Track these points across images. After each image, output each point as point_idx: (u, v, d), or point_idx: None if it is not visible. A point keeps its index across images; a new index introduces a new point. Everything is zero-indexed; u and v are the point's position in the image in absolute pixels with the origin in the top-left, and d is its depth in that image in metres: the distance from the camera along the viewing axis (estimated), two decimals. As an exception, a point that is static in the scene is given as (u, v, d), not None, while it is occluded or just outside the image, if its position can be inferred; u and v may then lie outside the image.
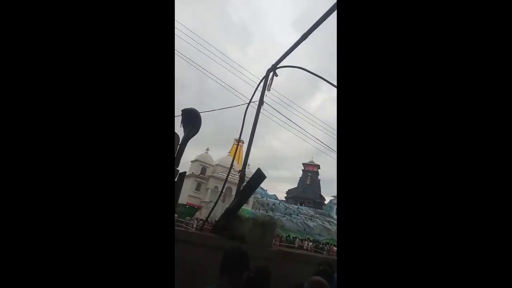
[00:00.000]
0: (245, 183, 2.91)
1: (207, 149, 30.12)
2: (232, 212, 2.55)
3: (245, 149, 3.65)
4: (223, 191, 4.13)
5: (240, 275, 1.34)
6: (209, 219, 5.26)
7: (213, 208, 3.55)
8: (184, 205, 22.14)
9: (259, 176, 2.65)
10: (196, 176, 27.95)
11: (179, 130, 4.32)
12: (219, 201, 3.37)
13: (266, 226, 2.44)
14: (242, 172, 3.15)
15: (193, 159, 29.55)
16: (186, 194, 26.22)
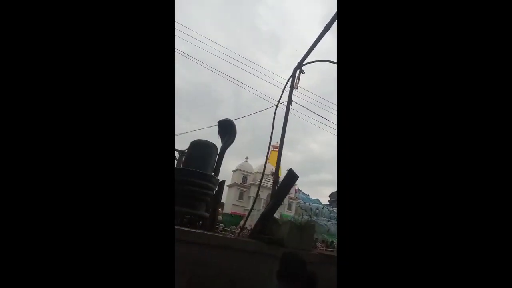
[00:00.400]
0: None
1: (247, 158, 30.69)
2: (268, 216, 2.58)
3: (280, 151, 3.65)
4: (257, 196, 4.18)
5: (297, 281, 1.37)
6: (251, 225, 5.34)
7: (248, 214, 3.61)
8: (229, 215, 22.74)
9: (291, 175, 2.64)
10: (238, 185, 28.55)
11: (217, 141, 4.59)
12: (260, 207, 3.43)
13: (304, 229, 2.41)
14: (276, 175, 3.17)
15: (234, 168, 30.35)
16: (230, 204, 26.94)
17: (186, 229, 2.44)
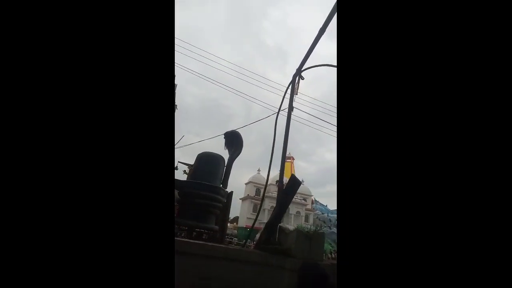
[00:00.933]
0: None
1: (259, 170, 30.57)
2: (273, 225, 2.50)
3: (279, 153, 3.55)
4: (261, 207, 4.09)
5: None
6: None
7: (253, 225, 3.52)
8: (244, 228, 22.41)
9: (294, 182, 2.57)
10: (252, 198, 28.34)
11: (223, 152, 4.61)
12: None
13: (312, 237, 2.30)
14: (280, 183, 3.10)
15: (246, 181, 30.23)
16: (244, 217, 26.63)
17: (186, 240, 2.39)
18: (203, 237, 3.86)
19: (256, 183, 29.28)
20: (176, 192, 4.24)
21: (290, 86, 3.81)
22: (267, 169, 3.54)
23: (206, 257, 2.01)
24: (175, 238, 2.27)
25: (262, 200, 4.08)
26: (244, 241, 3.85)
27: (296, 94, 3.74)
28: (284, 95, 3.78)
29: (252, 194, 28.65)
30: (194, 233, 3.82)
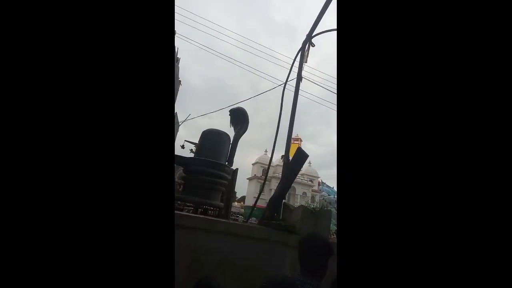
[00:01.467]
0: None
1: (266, 151, 30.69)
2: (277, 201, 2.41)
3: (285, 133, 3.38)
4: (263, 189, 4.03)
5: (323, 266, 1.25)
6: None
7: (256, 202, 3.49)
8: (251, 207, 22.92)
9: (300, 155, 2.42)
10: (258, 178, 28.74)
11: (229, 130, 4.50)
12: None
13: (319, 214, 2.22)
14: (286, 157, 2.96)
15: (253, 161, 30.55)
16: (251, 197, 27.19)
17: (185, 213, 2.36)
18: (209, 213, 3.87)
19: (263, 163, 29.53)
20: (181, 169, 4.22)
21: (299, 54, 3.53)
22: (276, 151, 3.38)
23: (206, 231, 1.97)
24: (178, 212, 2.24)
25: (266, 175, 4.01)
26: (247, 218, 3.85)
27: (306, 62, 3.49)
28: (293, 63, 3.52)
29: (259, 174, 29.03)
30: (200, 209, 3.83)
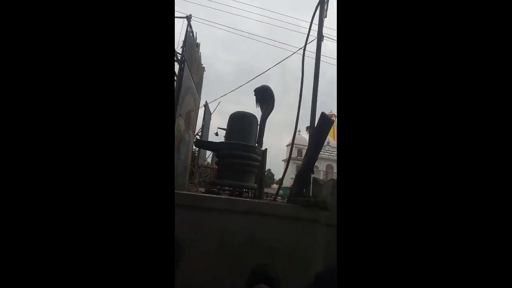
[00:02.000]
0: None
1: (299, 131, 30.04)
2: (303, 175, 2.21)
3: (309, 102, 3.04)
4: (291, 154, 3.83)
5: None
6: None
7: (283, 176, 3.36)
8: (289, 188, 23.05)
9: (324, 121, 2.17)
10: (294, 159, 28.53)
11: (256, 111, 4.40)
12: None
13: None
14: (311, 128, 2.67)
15: (287, 143, 30.29)
16: (288, 177, 27.26)
17: (204, 194, 2.31)
18: (243, 195, 3.92)
19: (297, 144, 29.10)
20: (214, 154, 4.28)
21: (318, 7, 3.10)
22: (308, 130, 3.11)
23: (230, 212, 1.92)
24: (199, 194, 2.25)
25: (292, 147, 3.85)
26: (274, 196, 3.78)
27: (326, 17, 3.10)
28: (312, 20, 3.11)
29: (294, 155, 28.77)
30: (236, 192, 3.89)
